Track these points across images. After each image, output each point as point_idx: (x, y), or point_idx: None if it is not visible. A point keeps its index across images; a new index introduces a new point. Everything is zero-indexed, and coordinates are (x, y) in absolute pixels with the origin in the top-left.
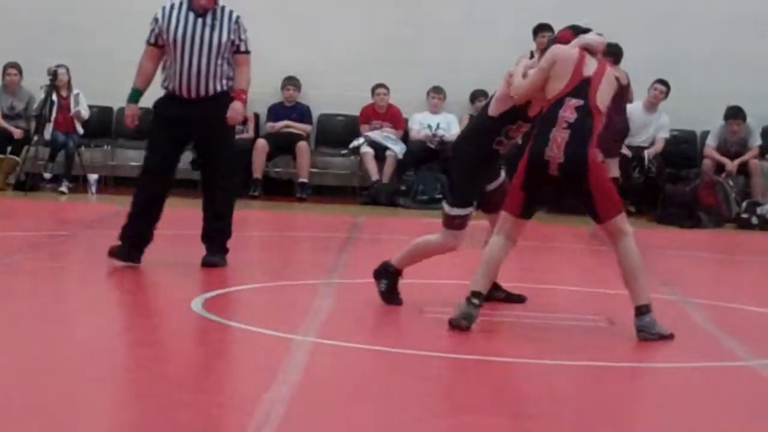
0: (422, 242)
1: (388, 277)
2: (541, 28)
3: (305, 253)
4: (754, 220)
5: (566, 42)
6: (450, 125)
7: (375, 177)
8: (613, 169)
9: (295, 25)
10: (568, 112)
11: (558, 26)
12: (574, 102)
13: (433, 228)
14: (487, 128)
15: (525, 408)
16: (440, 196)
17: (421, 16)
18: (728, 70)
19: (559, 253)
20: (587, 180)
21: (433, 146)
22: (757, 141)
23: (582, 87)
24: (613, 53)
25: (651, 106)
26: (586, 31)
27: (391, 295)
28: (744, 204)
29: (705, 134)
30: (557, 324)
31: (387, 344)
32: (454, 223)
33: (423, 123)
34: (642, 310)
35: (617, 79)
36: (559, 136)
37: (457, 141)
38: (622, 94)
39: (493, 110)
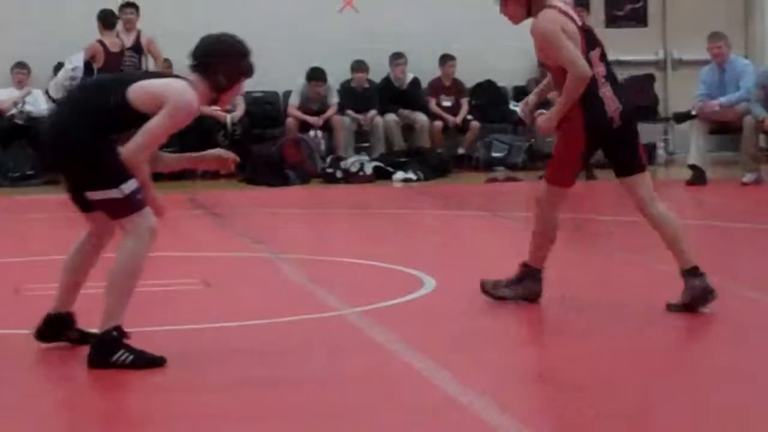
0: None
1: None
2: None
3: None
4: (339, 174)
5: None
6: (37, 100)
7: None
8: None
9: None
10: (600, 67)
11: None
12: (595, 54)
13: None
14: None
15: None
16: (32, 172)
17: None
18: (307, 35)
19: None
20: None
21: (21, 122)
22: (335, 99)
23: (588, 37)
24: None
25: None
26: None
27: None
28: (328, 159)
29: (287, 94)
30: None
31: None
32: None
33: (10, 99)
34: (693, 272)
35: None
36: (606, 90)
37: None
38: None
39: None
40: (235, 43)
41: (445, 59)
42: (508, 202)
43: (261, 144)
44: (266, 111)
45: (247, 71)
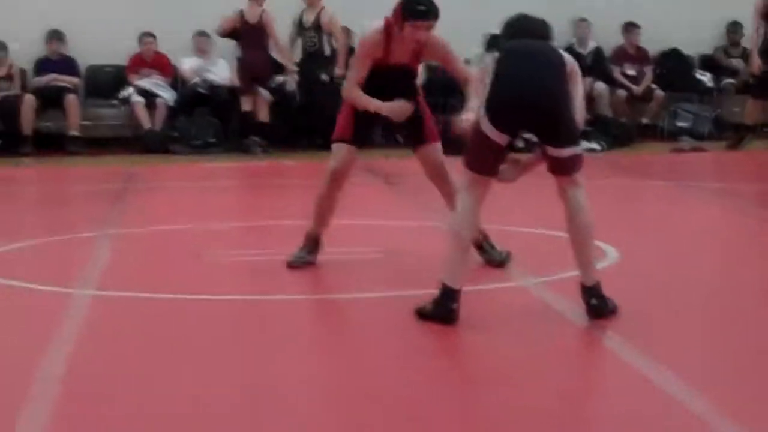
0: None
1: None
2: None
3: (80, 207)
4: (520, 143)
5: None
6: (220, 69)
7: (147, 125)
8: None
9: None
10: None
11: None
12: None
13: (208, 172)
14: None
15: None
16: (213, 140)
17: None
18: None
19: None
20: None
21: (203, 91)
22: None
23: None
24: None
25: None
26: None
27: None
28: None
29: (467, 62)
30: (336, 259)
31: (168, 291)
32: None
33: (193, 67)
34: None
35: None
36: None
37: None
38: None
39: None
40: None
41: (630, 27)
42: (693, 172)
43: (441, 113)
44: (445, 80)
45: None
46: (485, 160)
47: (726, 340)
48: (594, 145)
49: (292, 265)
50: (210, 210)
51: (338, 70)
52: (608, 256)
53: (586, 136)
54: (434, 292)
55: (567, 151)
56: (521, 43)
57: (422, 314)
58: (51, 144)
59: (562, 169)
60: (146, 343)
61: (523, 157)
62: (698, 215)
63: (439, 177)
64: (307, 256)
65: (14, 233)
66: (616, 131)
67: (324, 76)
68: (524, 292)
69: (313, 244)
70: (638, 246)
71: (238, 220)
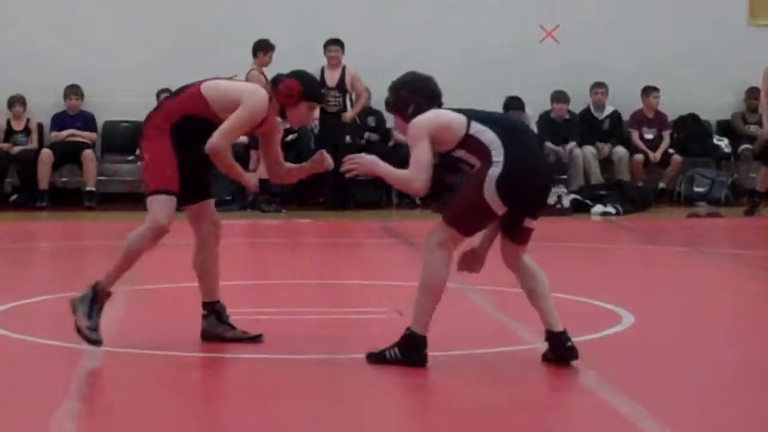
0: None
1: None
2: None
3: (96, 262)
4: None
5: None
6: None
7: None
8: None
9: (76, 32)
10: None
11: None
12: None
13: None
14: None
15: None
16: (230, 197)
17: (203, 19)
18: (506, 65)
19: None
20: None
21: None
22: (534, 130)
23: None
24: None
25: None
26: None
27: None
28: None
29: None
30: (348, 318)
31: (181, 349)
32: None
33: None
34: None
35: None
36: None
37: None
38: None
39: None
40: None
41: (649, 91)
42: (710, 238)
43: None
44: None
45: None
46: (477, 226)
47: (737, 407)
48: (610, 209)
49: None
50: (224, 268)
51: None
52: (623, 320)
53: (603, 199)
54: (458, 353)
55: (536, 222)
56: (513, 119)
57: (385, 358)
58: (67, 199)
59: (528, 238)
60: (157, 400)
61: (476, 243)
62: (713, 281)
63: (218, 232)
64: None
65: (29, 288)
66: (634, 195)
67: (348, 138)
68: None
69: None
70: (653, 311)
71: (252, 278)
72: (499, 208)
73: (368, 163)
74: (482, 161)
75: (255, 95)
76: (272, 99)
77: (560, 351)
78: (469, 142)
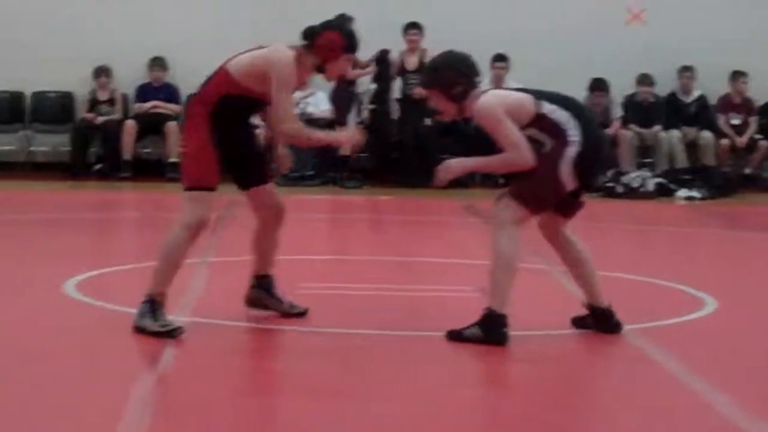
0: None
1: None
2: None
3: None
4: (620, 189)
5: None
6: (319, 102)
7: None
8: None
9: (161, 4)
10: None
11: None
12: None
13: (305, 204)
14: None
15: (419, 385)
16: (311, 172)
17: None
18: (591, 46)
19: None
20: None
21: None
22: (619, 112)
23: None
24: None
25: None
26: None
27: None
28: (609, 173)
29: None
30: (432, 296)
31: (260, 321)
32: None
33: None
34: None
35: None
36: None
37: None
38: None
39: None
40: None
41: (737, 75)
42: None
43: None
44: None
45: None
46: (548, 204)
47: None
48: (694, 194)
49: None
50: (304, 242)
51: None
52: (707, 305)
53: (687, 184)
54: (537, 333)
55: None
56: (573, 98)
57: (465, 337)
58: (149, 169)
59: (578, 212)
60: (238, 371)
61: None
62: None
63: (280, 215)
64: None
65: (112, 257)
66: (718, 181)
67: (428, 121)
68: (619, 338)
69: None
70: (736, 296)
71: (332, 253)
72: (571, 185)
73: (456, 166)
74: (556, 140)
75: (279, 52)
76: (302, 54)
77: (608, 326)
78: (541, 121)
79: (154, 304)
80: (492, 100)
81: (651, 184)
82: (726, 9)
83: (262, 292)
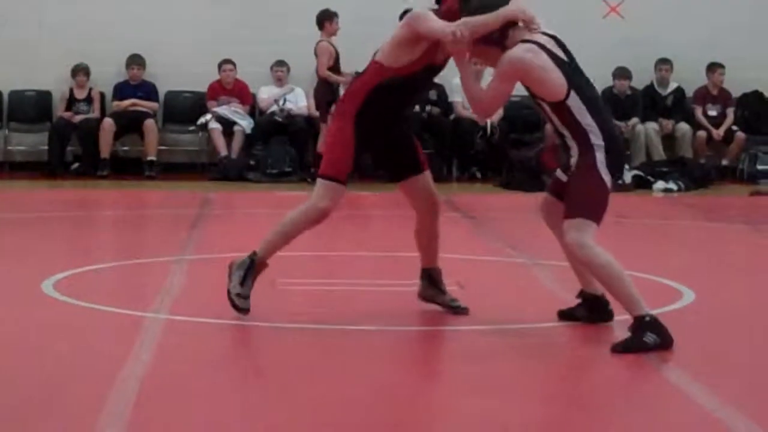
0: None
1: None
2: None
3: (156, 231)
4: None
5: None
6: (298, 98)
7: (224, 152)
8: None
9: (138, 2)
10: None
11: None
12: None
13: (283, 201)
14: None
15: (386, 377)
16: (289, 169)
17: None
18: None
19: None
20: None
21: (280, 120)
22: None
23: None
24: None
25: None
26: None
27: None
28: None
29: None
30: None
31: (240, 318)
32: None
33: (271, 96)
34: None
35: None
36: None
37: None
38: None
39: None
40: None
41: (714, 67)
42: None
43: (518, 149)
44: (525, 116)
45: None
46: (605, 210)
47: None
48: (671, 186)
49: None
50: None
51: None
52: (684, 296)
53: (664, 176)
54: (511, 326)
55: None
56: (598, 94)
57: (632, 348)
58: (128, 168)
59: None
60: (217, 369)
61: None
62: None
63: (434, 207)
64: None
65: (90, 255)
66: (696, 173)
67: (431, 108)
68: (600, 329)
69: None
70: (714, 288)
71: (312, 249)
72: (611, 185)
73: (464, 43)
74: (579, 144)
75: (413, 14)
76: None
77: (601, 314)
78: (564, 113)
79: (253, 265)
80: (525, 59)
81: (628, 177)
82: (702, 1)
83: (425, 283)
